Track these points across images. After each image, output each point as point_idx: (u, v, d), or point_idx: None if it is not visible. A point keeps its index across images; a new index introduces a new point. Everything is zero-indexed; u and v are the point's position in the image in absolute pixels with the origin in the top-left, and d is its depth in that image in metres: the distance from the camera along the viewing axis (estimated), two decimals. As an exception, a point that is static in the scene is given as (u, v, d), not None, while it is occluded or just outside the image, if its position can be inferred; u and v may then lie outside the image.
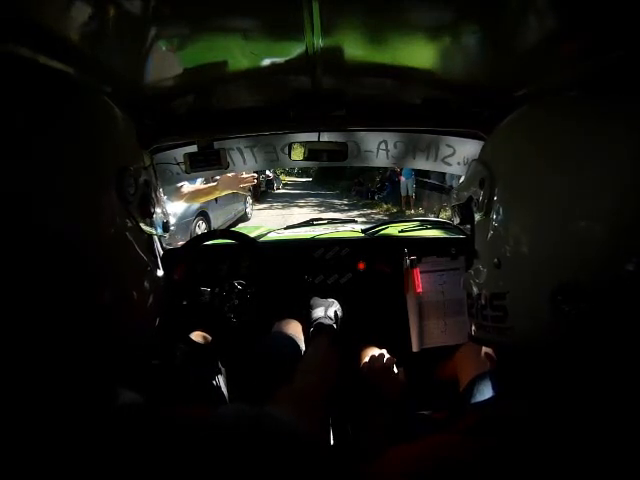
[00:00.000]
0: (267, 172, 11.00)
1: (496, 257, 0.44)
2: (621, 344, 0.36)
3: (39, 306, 0.30)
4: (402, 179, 8.43)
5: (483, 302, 0.46)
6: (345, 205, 10.24)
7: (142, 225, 0.40)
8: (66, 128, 0.34)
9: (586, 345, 0.37)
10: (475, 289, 0.48)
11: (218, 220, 5.35)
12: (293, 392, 0.58)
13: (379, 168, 9.34)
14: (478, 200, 0.46)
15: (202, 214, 4.77)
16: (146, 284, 0.41)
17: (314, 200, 11.04)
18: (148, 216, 0.42)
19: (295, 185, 13.81)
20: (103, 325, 0.34)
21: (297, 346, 1.06)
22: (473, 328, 0.51)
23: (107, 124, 0.39)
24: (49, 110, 0.33)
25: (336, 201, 11.03)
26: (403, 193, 8.58)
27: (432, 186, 8.12)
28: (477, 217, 0.48)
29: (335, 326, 0.88)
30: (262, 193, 10.86)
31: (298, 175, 14.38)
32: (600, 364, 0.37)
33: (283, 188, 13.20)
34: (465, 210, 0.50)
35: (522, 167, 0.42)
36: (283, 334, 1.08)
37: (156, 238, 0.47)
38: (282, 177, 13.27)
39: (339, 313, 0.96)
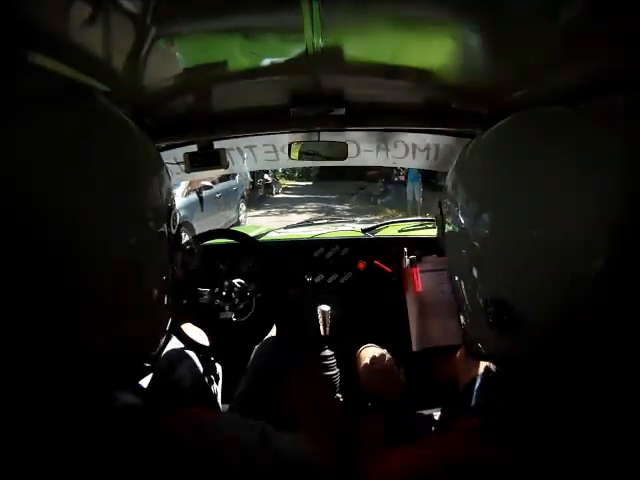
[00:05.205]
0: (265, 176, 10.66)
1: (452, 272, 0.49)
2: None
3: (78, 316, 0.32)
4: (408, 183, 8.03)
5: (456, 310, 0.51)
6: (347, 211, 9.98)
7: (172, 257, 0.44)
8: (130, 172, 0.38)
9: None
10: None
11: (204, 230, 5.22)
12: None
13: (382, 171, 9.15)
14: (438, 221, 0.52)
15: (183, 225, 4.64)
16: (165, 307, 0.43)
17: (314, 205, 10.81)
18: (179, 249, 0.46)
19: (295, 189, 13.45)
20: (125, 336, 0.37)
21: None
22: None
23: (156, 164, 0.43)
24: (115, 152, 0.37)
25: (337, 206, 10.77)
26: (409, 198, 8.04)
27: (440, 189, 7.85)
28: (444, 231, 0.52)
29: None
30: (260, 198, 10.47)
31: (298, 179, 14.11)
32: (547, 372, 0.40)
33: (282, 192, 12.68)
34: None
35: (461, 191, 0.46)
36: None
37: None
38: (282, 181, 12.87)
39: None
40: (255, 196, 9.77)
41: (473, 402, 0.85)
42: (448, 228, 0.49)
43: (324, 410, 0.66)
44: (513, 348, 0.40)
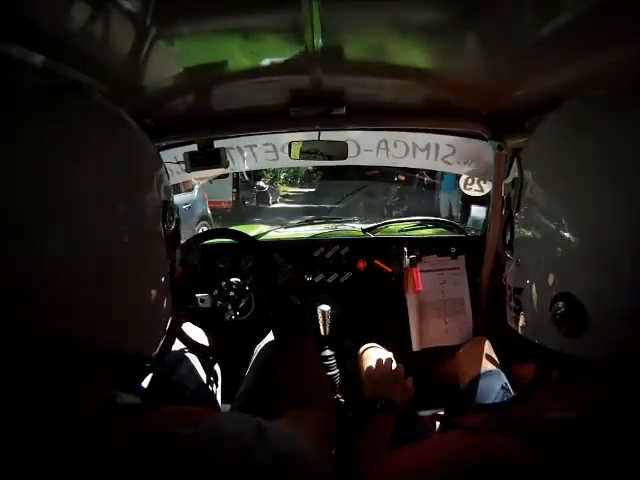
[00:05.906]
0: (260, 183, 9.00)
1: (518, 256, 0.47)
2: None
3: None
4: (441, 192, 6.31)
5: (509, 292, 0.50)
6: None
7: (170, 254, 0.44)
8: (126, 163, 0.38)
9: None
10: (507, 279, 0.52)
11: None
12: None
13: (393, 177, 8.47)
14: (510, 198, 0.49)
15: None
16: (164, 307, 0.44)
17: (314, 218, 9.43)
18: (176, 247, 0.46)
19: (296, 197, 12.23)
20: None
21: None
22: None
23: (154, 157, 0.44)
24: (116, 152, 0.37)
25: (342, 219, 9.64)
26: (444, 213, 5.63)
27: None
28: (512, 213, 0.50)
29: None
30: (252, 210, 8.39)
31: (301, 185, 13.20)
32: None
33: (281, 202, 11.01)
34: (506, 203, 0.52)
35: (547, 174, 0.44)
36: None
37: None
38: (283, 188, 11.73)
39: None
40: (241, 210, 7.84)
41: (475, 401, 0.85)
42: (523, 225, 0.46)
43: (315, 388, 0.65)
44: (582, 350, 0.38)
